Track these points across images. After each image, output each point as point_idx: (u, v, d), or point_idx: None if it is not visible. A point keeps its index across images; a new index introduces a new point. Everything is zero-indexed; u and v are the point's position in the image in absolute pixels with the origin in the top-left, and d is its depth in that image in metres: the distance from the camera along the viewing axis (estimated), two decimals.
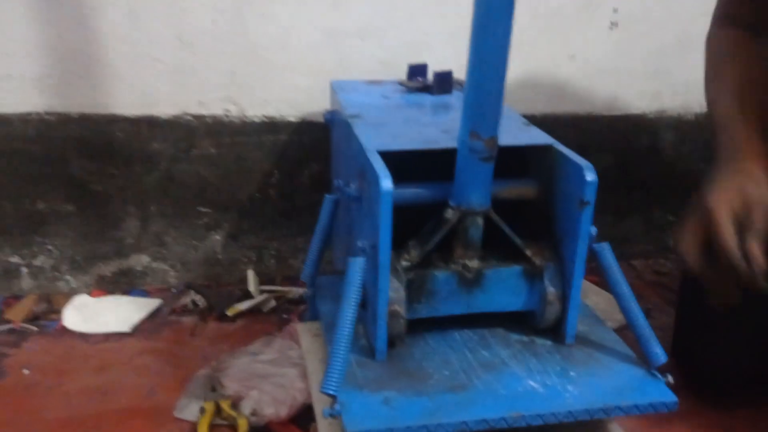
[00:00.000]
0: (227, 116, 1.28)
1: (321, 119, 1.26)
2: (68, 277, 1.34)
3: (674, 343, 1.15)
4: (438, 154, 0.87)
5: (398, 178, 0.86)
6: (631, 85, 1.40)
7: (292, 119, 1.30)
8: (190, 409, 1.05)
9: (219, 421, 1.04)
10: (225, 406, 1.04)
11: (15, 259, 1.31)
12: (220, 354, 1.19)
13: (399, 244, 0.88)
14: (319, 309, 1.01)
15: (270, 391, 1.05)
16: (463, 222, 0.87)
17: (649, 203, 1.48)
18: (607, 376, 0.86)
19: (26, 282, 1.33)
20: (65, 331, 1.26)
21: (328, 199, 1.00)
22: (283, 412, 1.03)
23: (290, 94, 1.29)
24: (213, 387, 1.09)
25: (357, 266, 0.82)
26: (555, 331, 0.92)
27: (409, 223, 0.89)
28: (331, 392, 0.78)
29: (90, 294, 1.35)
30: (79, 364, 1.18)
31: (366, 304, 0.90)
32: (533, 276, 0.90)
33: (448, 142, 0.90)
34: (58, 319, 1.28)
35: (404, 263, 0.88)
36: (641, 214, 1.48)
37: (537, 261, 0.90)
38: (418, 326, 0.91)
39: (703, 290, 0.89)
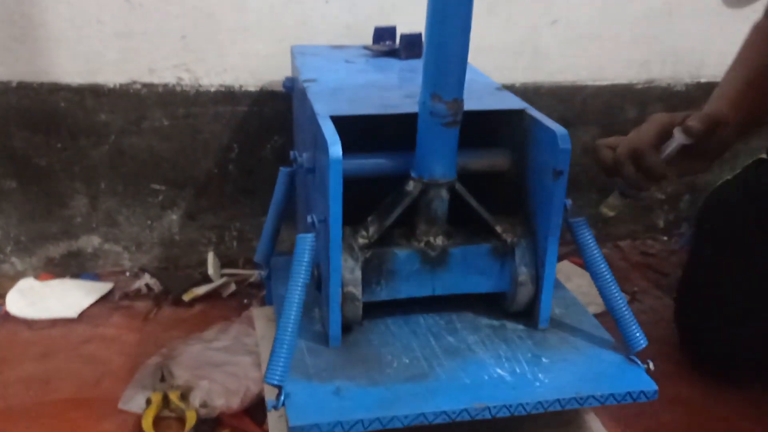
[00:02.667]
0: (180, 85, 1.19)
1: (282, 88, 1.17)
2: (13, 260, 1.25)
3: (679, 324, 1.11)
4: (402, 122, 0.79)
5: (358, 149, 0.77)
6: (617, 53, 1.32)
7: (252, 89, 1.21)
8: (136, 401, 0.97)
9: (167, 413, 0.96)
10: (173, 396, 0.96)
11: None
12: (174, 341, 1.10)
13: (357, 221, 0.80)
14: (273, 291, 0.93)
15: (222, 381, 0.97)
16: (426, 194, 0.79)
17: None
18: (583, 363, 0.78)
19: None
20: (8, 316, 1.17)
21: (283, 172, 0.92)
22: (235, 403, 0.95)
23: (249, 61, 1.19)
24: (162, 376, 1.01)
25: (305, 243, 0.74)
26: (527, 315, 0.84)
27: (372, 199, 0.81)
28: (275, 382, 0.70)
29: (37, 277, 1.26)
30: (20, 352, 1.09)
31: (320, 286, 0.82)
32: (504, 254, 0.82)
33: (409, 107, 0.82)
34: (2, 304, 1.19)
35: (361, 240, 0.79)
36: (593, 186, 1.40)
37: (508, 238, 0.82)
38: (379, 310, 0.83)
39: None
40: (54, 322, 1.16)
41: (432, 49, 0.72)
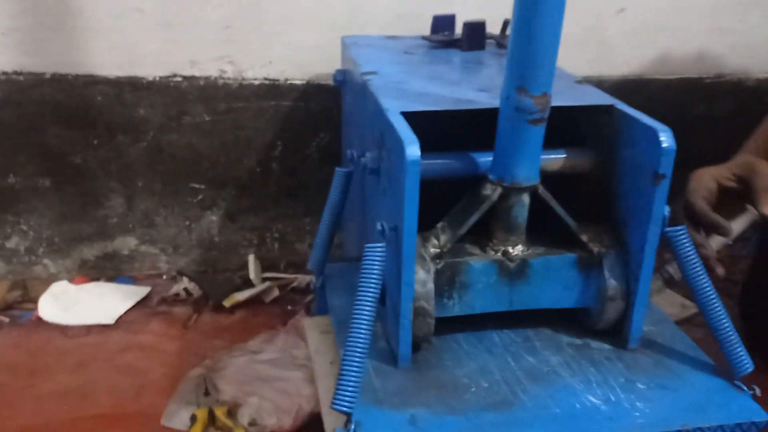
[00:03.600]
0: (223, 78, 1.12)
1: (330, 82, 1.10)
2: (46, 261, 1.19)
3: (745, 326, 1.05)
4: (473, 118, 0.71)
5: (425, 148, 0.69)
6: (686, 45, 1.23)
7: (298, 82, 1.14)
8: (179, 417, 0.91)
9: (213, 431, 0.89)
10: (220, 413, 0.89)
11: None
12: (216, 351, 1.04)
13: (426, 227, 0.72)
14: (329, 302, 0.85)
15: (272, 398, 0.90)
16: (506, 200, 0.71)
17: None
18: (683, 389, 0.70)
19: None
20: (41, 322, 1.11)
21: (339, 173, 0.84)
22: (287, 422, 0.88)
23: (295, 53, 1.12)
24: (207, 390, 0.95)
25: (375, 254, 0.66)
26: (615, 333, 0.76)
27: (438, 203, 0.73)
28: (344, 409, 0.62)
29: (71, 281, 1.20)
30: (54, 362, 1.03)
31: (385, 299, 0.75)
32: (590, 266, 0.74)
33: (486, 101, 0.74)
34: (34, 309, 1.13)
35: (432, 250, 0.72)
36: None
37: (595, 248, 0.73)
38: (448, 325, 0.75)
39: None
40: (89, 329, 1.10)
41: (520, 37, 0.64)
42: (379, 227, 0.68)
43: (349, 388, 0.63)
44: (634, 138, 0.70)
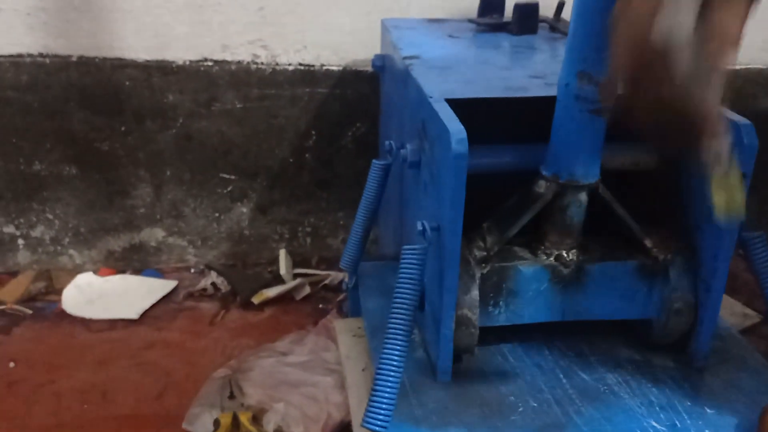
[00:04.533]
0: (255, 63, 1.06)
1: (368, 68, 1.03)
2: (72, 252, 1.15)
3: None
4: (525, 108, 0.64)
5: (471, 140, 0.62)
6: (753, 33, 1.12)
7: (334, 68, 1.07)
8: (202, 421, 0.86)
9: None
10: (244, 419, 0.84)
11: (9, 229, 1.12)
12: (243, 350, 0.99)
13: (470, 227, 0.65)
14: (362, 304, 0.79)
15: (300, 404, 0.85)
16: (561, 198, 0.64)
17: (767, 180, 1.21)
18: (756, 415, 0.62)
19: (23, 256, 1.15)
20: (64, 315, 1.07)
21: (376, 165, 0.77)
22: (315, 431, 0.82)
23: (332, 37, 1.06)
24: (231, 393, 0.89)
25: (414, 256, 0.60)
26: (677, 348, 0.68)
27: (484, 200, 0.66)
28: (377, 429, 0.56)
29: (97, 272, 1.16)
30: (75, 357, 0.99)
31: (424, 305, 0.68)
32: (654, 274, 0.66)
33: (540, 89, 0.67)
34: (58, 301, 1.09)
35: (478, 253, 0.65)
36: (757, 192, 1.21)
37: (660, 254, 0.66)
38: (493, 336, 0.68)
39: None
40: (113, 323, 1.06)
41: (584, 13, 0.56)
42: (419, 227, 0.62)
43: (383, 406, 0.56)
44: None
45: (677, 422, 0.60)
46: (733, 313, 1.07)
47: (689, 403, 0.63)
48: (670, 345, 0.68)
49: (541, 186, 0.64)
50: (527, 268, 0.65)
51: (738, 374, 0.67)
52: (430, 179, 0.63)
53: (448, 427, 0.59)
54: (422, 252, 0.60)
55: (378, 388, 0.57)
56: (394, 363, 0.57)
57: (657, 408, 0.62)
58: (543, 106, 0.63)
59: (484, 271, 0.65)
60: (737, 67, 1.14)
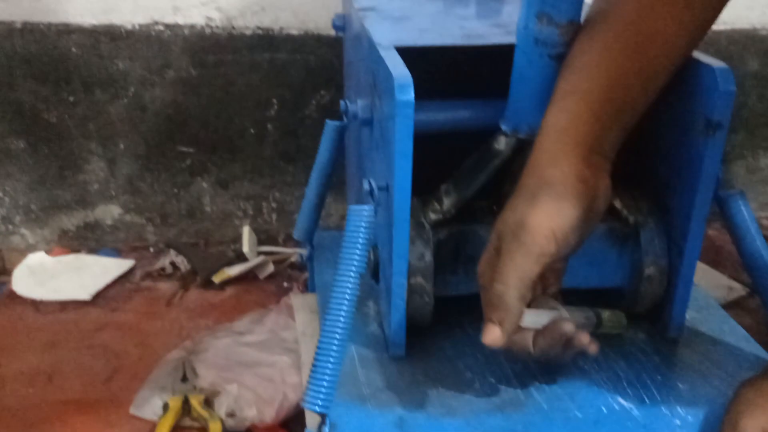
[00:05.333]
0: (210, 27, 1.00)
1: (331, 32, 0.98)
2: (24, 231, 1.10)
3: None
4: (486, 58, 0.58)
5: (427, 96, 0.57)
6: None
7: (294, 32, 1.01)
8: (150, 405, 0.81)
9: (187, 422, 0.79)
10: (195, 403, 0.79)
11: None
12: (200, 331, 0.93)
13: (427, 191, 0.60)
14: (316, 277, 0.74)
15: (254, 386, 0.79)
16: (521, 154, 0.58)
17: (754, 147, 1.16)
18: (732, 390, 0.57)
19: None
20: (14, 296, 1.02)
21: (329, 125, 0.72)
22: (269, 414, 0.77)
23: None
24: (185, 376, 0.84)
25: (361, 217, 0.54)
26: (652, 319, 0.63)
27: (445, 166, 0.61)
28: (317, 409, 0.51)
29: (50, 252, 1.10)
30: (24, 340, 0.94)
31: (378, 276, 0.63)
32: (624, 238, 0.61)
33: (501, 37, 0.61)
34: (8, 282, 1.03)
35: (433, 216, 0.60)
36: (743, 159, 1.17)
37: (630, 216, 0.60)
38: (452, 308, 0.63)
39: None
40: (64, 305, 1.00)
41: None
42: (366, 186, 0.56)
43: (324, 383, 0.51)
44: (681, 78, 0.57)
45: (646, 398, 0.55)
46: (717, 285, 1.03)
47: (660, 378, 0.58)
48: (642, 316, 0.63)
49: (501, 142, 0.59)
50: (488, 232, 0.60)
51: (715, 347, 0.62)
52: (380, 136, 0.58)
53: (397, 405, 0.54)
54: (369, 212, 0.54)
55: (319, 363, 0.51)
56: (337, 336, 0.52)
57: (624, 383, 0.57)
58: (504, 59, 0.58)
59: (441, 236, 0.60)
60: (722, 27, 1.09)
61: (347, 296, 0.53)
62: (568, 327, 0.51)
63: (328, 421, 0.51)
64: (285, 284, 1.05)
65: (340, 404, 0.53)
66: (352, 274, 0.54)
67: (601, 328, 0.57)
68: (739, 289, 1.01)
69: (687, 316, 0.64)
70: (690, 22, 0.53)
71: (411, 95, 0.50)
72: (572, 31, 0.54)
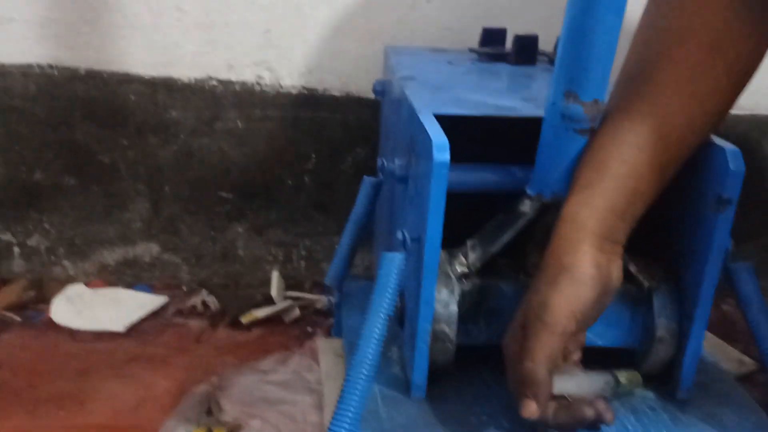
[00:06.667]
0: (259, 84, 1.07)
1: (370, 95, 1.04)
2: (65, 263, 1.16)
3: None
4: (518, 131, 0.64)
5: (461, 159, 0.63)
6: (759, 79, 1.13)
7: (336, 93, 1.09)
8: None
9: None
10: None
11: (6, 237, 1.13)
12: (226, 368, 0.97)
13: (455, 245, 0.65)
14: (344, 321, 0.78)
15: (276, 423, 0.83)
16: (545, 217, 0.64)
17: None
18: None
19: (17, 264, 1.15)
20: (52, 324, 1.07)
21: (367, 181, 0.78)
22: None
23: (336, 63, 1.07)
24: (209, 409, 0.87)
25: (392, 264, 0.59)
26: (662, 379, 0.67)
27: (472, 224, 0.66)
28: None
29: (89, 285, 1.15)
30: (58, 366, 0.98)
31: (404, 321, 0.67)
32: (638, 301, 0.65)
33: (530, 110, 0.67)
34: (47, 310, 1.09)
35: (459, 269, 0.64)
36: (758, 239, 1.20)
37: (644, 281, 0.65)
38: (473, 356, 0.67)
39: None
40: (99, 335, 1.05)
41: (571, 34, 0.57)
42: (399, 236, 0.61)
43: (350, 412, 0.55)
44: (695, 157, 0.62)
45: None
46: (729, 359, 1.05)
47: None
48: (652, 376, 0.67)
49: (525, 204, 0.64)
50: (509, 286, 0.65)
51: (721, 409, 0.65)
52: (415, 192, 0.63)
53: None
54: (401, 259, 0.59)
55: (346, 393, 0.56)
56: (365, 369, 0.56)
57: None
58: (532, 129, 0.64)
59: (465, 288, 0.64)
60: (741, 113, 1.14)
61: (376, 335, 0.58)
62: (590, 412, 0.56)
63: None
64: (309, 329, 1.09)
65: None
66: (382, 314, 0.58)
67: (620, 388, 0.61)
68: (750, 364, 1.03)
69: (696, 380, 0.67)
70: (701, 119, 0.59)
71: (447, 157, 0.55)
72: (596, 109, 0.59)
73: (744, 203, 1.21)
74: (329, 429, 0.55)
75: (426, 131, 0.58)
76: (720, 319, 1.17)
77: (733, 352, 1.07)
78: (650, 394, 0.66)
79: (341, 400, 0.56)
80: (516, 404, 0.56)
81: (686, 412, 0.64)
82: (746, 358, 1.05)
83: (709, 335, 1.10)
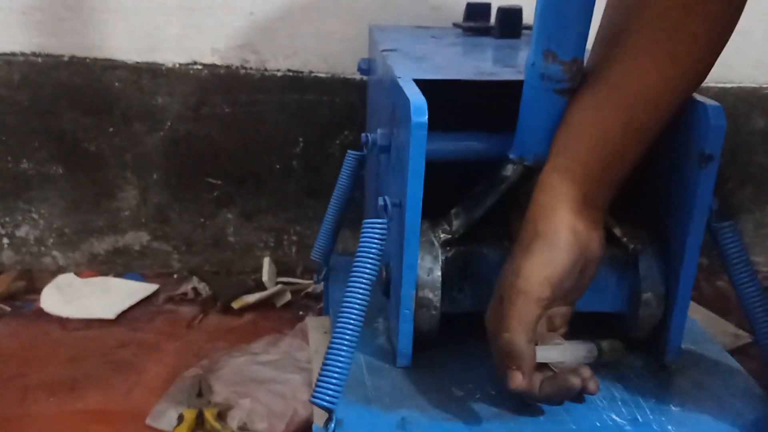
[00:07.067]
0: (245, 68, 1.07)
1: (357, 76, 1.04)
2: (55, 253, 1.15)
3: None
4: (503, 100, 0.63)
5: (444, 127, 0.62)
6: (745, 51, 1.13)
7: (323, 75, 1.08)
8: (166, 417, 0.84)
9: None
10: (209, 415, 0.82)
11: None
12: (217, 352, 0.97)
13: (439, 214, 0.64)
14: (330, 295, 0.78)
15: (266, 401, 0.83)
16: (528, 181, 0.63)
17: (762, 202, 1.19)
18: (724, 417, 0.59)
19: (7, 255, 1.14)
20: (42, 314, 1.06)
21: (350, 155, 0.77)
22: (279, 427, 0.80)
23: (322, 44, 1.07)
24: (200, 391, 0.87)
25: (375, 230, 0.59)
26: (650, 344, 0.66)
27: (456, 193, 0.66)
28: (324, 404, 0.54)
29: (79, 274, 1.15)
30: (48, 353, 0.98)
31: (389, 291, 0.67)
32: (623, 264, 0.64)
33: (511, 74, 0.66)
34: (37, 300, 1.08)
35: (442, 235, 0.64)
36: (751, 214, 1.19)
37: (629, 244, 0.64)
38: (459, 324, 0.66)
39: None
40: (89, 323, 1.04)
41: None
42: (381, 202, 0.61)
43: (333, 381, 0.54)
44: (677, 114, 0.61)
45: (639, 416, 0.58)
46: (723, 333, 1.04)
47: (654, 400, 0.60)
48: (641, 340, 0.66)
49: (508, 169, 0.63)
50: (493, 251, 0.64)
51: (709, 377, 0.64)
52: (396, 159, 0.62)
53: (400, 407, 0.57)
54: (382, 225, 0.58)
55: (328, 362, 0.55)
56: (347, 336, 0.55)
57: (619, 402, 0.59)
58: (514, 95, 0.63)
59: (449, 254, 0.64)
60: (728, 85, 1.14)
61: (358, 301, 0.57)
62: (576, 381, 0.56)
63: (334, 418, 0.54)
64: (300, 313, 1.09)
65: (347, 404, 0.57)
66: (364, 281, 0.58)
67: (602, 358, 0.61)
68: (745, 337, 1.03)
69: (684, 347, 0.66)
70: (678, 79, 0.58)
71: (425, 118, 0.55)
72: (576, 68, 0.59)
73: (735, 178, 1.21)
74: (312, 398, 0.55)
75: (405, 95, 0.57)
76: (715, 294, 1.17)
77: (728, 326, 1.06)
78: (638, 362, 0.65)
79: (323, 367, 0.55)
80: (502, 379, 0.56)
81: (673, 379, 0.63)
82: (741, 332, 1.04)
83: (703, 309, 1.10)
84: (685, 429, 0.57)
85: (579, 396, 0.58)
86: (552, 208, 0.57)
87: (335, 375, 0.55)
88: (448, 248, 0.63)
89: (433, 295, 0.62)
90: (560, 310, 0.60)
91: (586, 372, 0.57)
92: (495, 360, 0.57)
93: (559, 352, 0.58)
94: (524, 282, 0.55)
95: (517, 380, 0.55)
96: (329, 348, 0.56)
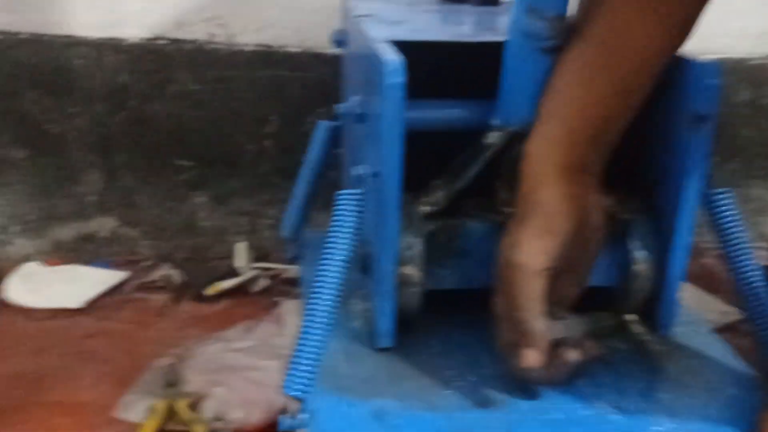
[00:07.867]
0: (212, 43, 1.02)
1: (329, 51, 1.00)
2: (19, 241, 1.10)
3: None
4: (484, 64, 0.59)
5: (422, 94, 0.58)
6: (727, 21, 1.10)
7: (294, 49, 1.03)
8: (136, 408, 0.80)
9: (172, 426, 0.78)
10: (181, 406, 0.78)
11: None
12: (190, 340, 0.93)
13: (420, 186, 0.61)
14: (301, 275, 0.74)
15: (241, 389, 0.79)
16: (512, 148, 0.59)
17: (748, 177, 1.17)
18: (714, 403, 0.56)
19: None
20: (5, 304, 1.01)
21: (321, 125, 0.73)
22: (256, 416, 0.76)
23: (292, 17, 1.02)
24: (172, 381, 0.83)
25: (350, 202, 0.55)
26: (643, 318, 0.63)
27: (439, 166, 0.62)
28: (294, 394, 0.50)
29: (45, 263, 1.10)
30: (13, 345, 0.94)
31: (367, 267, 0.63)
32: (613, 236, 0.61)
33: (491, 36, 0.62)
34: (0, 290, 1.03)
35: (424, 208, 0.60)
36: (738, 188, 1.17)
37: (619, 213, 0.61)
38: (442, 302, 0.63)
39: None
40: (56, 313, 1.00)
41: None
42: (355, 173, 0.57)
43: (303, 369, 0.51)
44: (668, 74, 0.58)
45: (626, 404, 0.55)
46: (711, 310, 1.02)
47: (641, 387, 0.57)
48: (632, 314, 0.63)
49: (492, 136, 0.60)
50: (477, 224, 0.60)
51: (698, 361, 0.61)
52: (373, 126, 0.58)
53: (376, 396, 0.54)
54: (357, 197, 0.55)
55: (299, 349, 0.51)
56: (319, 321, 0.52)
57: (605, 390, 0.56)
58: (495, 60, 0.59)
59: (431, 227, 0.60)
60: (713, 57, 1.11)
61: (331, 279, 0.53)
62: (574, 356, 0.53)
63: (305, 408, 0.51)
64: (276, 299, 1.04)
65: (320, 393, 0.53)
66: (337, 257, 0.54)
67: (595, 331, 0.58)
68: (733, 313, 1.01)
69: (674, 330, 0.63)
70: (664, 37, 0.55)
71: (401, 78, 0.51)
72: (561, 25, 0.55)
73: (723, 151, 1.19)
74: (283, 388, 0.51)
75: (379, 56, 0.53)
76: (702, 271, 1.14)
77: (716, 303, 1.04)
78: (624, 347, 0.62)
79: (294, 354, 0.51)
80: (511, 362, 0.53)
81: (662, 365, 0.60)
82: (729, 308, 1.02)
83: (690, 287, 1.07)
84: (674, 417, 0.54)
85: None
86: (544, 176, 0.53)
87: (306, 362, 0.51)
88: (429, 222, 0.60)
89: (416, 272, 0.58)
90: (570, 281, 0.56)
91: (588, 343, 0.54)
92: (501, 342, 0.54)
93: (566, 326, 0.55)
94: (522, 255, 0.52)
95: (532, 358, 0.52)
96: (300, 333, 0.52)
